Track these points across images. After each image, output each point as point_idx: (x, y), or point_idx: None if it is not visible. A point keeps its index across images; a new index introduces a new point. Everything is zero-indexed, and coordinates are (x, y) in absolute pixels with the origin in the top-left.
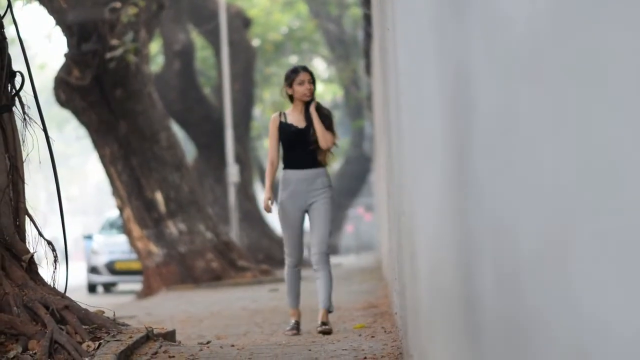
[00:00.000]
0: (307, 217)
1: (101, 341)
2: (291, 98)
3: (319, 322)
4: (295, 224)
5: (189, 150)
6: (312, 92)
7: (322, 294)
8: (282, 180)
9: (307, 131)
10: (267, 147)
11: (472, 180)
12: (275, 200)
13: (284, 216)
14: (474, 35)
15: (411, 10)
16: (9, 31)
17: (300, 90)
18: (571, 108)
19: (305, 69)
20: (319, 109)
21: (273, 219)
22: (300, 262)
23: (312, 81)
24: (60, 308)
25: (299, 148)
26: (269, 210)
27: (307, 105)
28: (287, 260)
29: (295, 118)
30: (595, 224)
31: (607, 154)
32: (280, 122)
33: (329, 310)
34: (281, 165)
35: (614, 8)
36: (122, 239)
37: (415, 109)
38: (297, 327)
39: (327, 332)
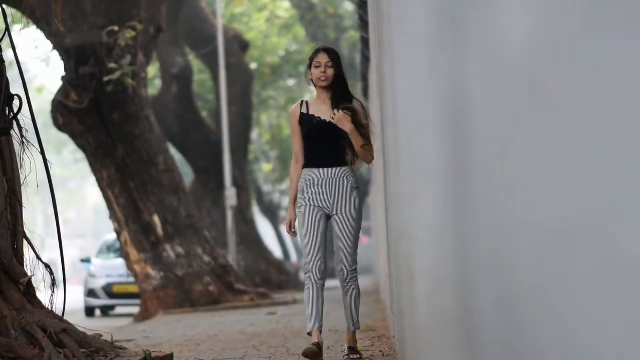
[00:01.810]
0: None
1: None
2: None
3: (346, 348)
4: (317, 230)
5: (186, 173)
6: (331, 78)
7: (350, 314)
8: (302, 180)
9: (333, 125)
10: (266, 170)
11: (471, 203)
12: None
13: (303, 221)
14: (471, 57)
15: (409, 34)
16: (7, 54)
17: (315, 73)
18: (571, 130)
19: (325, 50)
20: (350, 113)
21: (271, 242)
22: (324, 276)
23: (333, 65)
24: (58, 331)
25: (324, 143)
26: (292, 234)
27: (334, 94)
28: (306, 275)
29: (318, 108)
30: (595, 246)
31: (609, 179)
32: (301, 114)
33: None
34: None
35: (614, 26)
36: (119, 262)
37: (413, 131)
38: (318, 348)
39: None
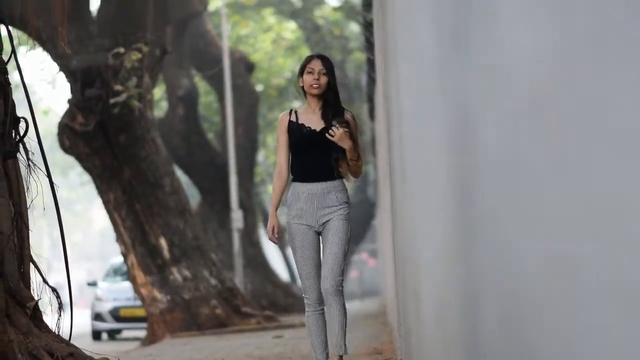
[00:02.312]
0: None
1: None
2: (305, 93)
3: None
4: (308, 250)
5: (192, 195)
6: (324, 86)
7: (335, 335)
8: (289, 195)
9: (322, 134)
10: (271, 193)
11: (477, 224)
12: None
13: (293, 240)
14: (477, 79)
15: (414, 55)
16: (13, 77)
17: (307, 80)
18: (574, 151)
19: (320, 57)
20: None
21: (277, 265)
22: (323, 301)
23: (327, 73)
24: (65, 355)
25: (313, 155)
26: (274, 240)
27: (324, 103)
28: (306, 300)
29: (308, 117)
30: (599, 269)
31: (610, 198)
32: (290, 122)
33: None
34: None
35: (616, 55)
36: (126, 285)
37: (419, 153)
38: None
39: None
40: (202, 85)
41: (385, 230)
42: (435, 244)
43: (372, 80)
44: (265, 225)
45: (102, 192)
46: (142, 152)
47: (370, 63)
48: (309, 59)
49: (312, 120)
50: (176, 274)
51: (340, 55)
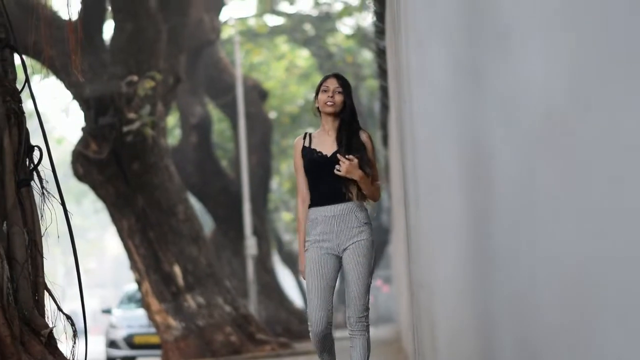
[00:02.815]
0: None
1: None
2: (320, 114)
3: None
4: (323, 275)
5: (206, 222)
6: (339, 105)
7: None
8: (308, 220)
9: (335, 159)
10: (286, 219)
11: (491, 252)
12: None
13: (309, 265)
14: (492, 108)
15: (428, 83)
16: (27, 105)
17: (322, 98)
18: (589, 178)
19: (336, 76)
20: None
21: (291, 292)
22: (329, 328)
23: (343, 92)
24: None
25: (327, 179)
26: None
27: (340, 124)
28: (310, 328)
29: (321, 140)
30: (615, 296)
31: (628, 228)
32: (304, 147)
33: None
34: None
35: (629, 85)
36: (140, 312)
37: (433, 180)
38: None
39: None
40: (215, 112)
41: (400, 257)
42: (450, 271)
43: (385, 108)
44: (279, 252)
45: (115, 219)
46: (155, 179)
47: (384, 90)
48: (324, 78)
49: (325, 143)
50: (190, 301)
51: (353, 82)
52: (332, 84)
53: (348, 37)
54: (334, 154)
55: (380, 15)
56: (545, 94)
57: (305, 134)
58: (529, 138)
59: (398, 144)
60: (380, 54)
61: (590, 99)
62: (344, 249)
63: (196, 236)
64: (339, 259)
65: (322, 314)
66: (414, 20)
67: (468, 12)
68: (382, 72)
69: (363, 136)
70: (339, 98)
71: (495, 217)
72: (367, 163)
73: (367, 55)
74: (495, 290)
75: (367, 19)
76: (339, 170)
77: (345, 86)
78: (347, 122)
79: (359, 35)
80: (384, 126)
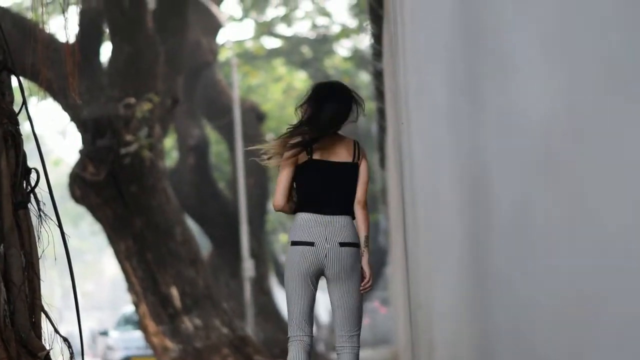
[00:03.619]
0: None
1: None
2: None
3: None
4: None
5: (203, 244)
6: None
7: None
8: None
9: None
10: (283, 241)
11: (490, 273)
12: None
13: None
14: (489, 130)
15: (426, 104)
16: (24, 127)
17: None
18: (587, 202)
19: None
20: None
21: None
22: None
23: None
24: None
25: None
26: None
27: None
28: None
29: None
30: (613, 320)
31: (625, 250)
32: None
33: None
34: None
35: (626, 105)
36: (137, 334)
37: (431, 203)
38: None
39: None
40: (213, 134)
41: (397, 279)
42: (448, 292)
43: (382, 130)
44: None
45: (113, 241)
46: (153, 201)
47: (381, 112)
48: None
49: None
50: (188, 323)
51: None
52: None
53: (345, 59)
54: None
55: (377, 37)
56: (542, 116)
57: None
58: (527, 160)
59: (396, 165)
60: (378, 75)
61: (587, 122)
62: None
63: (194, 258)
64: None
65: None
66: (412, 42)
67: (466, 35)
68: (380, 94)
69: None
70: None
71: (493, 238)
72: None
73: (365, 77)
74: (493, 312)
75: (365, 41)
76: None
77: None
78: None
79: (357, 57)
80: (381, 148)
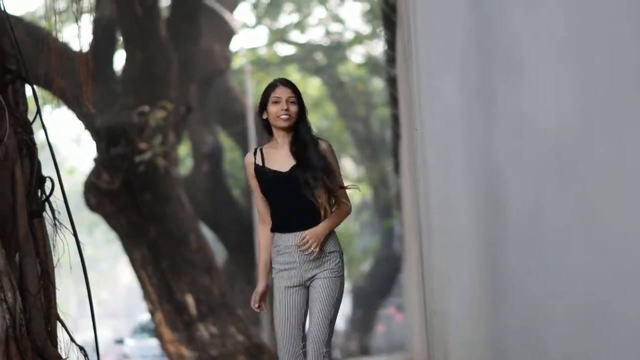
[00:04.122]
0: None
1: None
2: (269, 128)
3: None
4: (289, 308)
5: (218, 251)
6: (295, 116)
7: None
8: (273, 245)
9: (294, 176)
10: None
11: (504, 279)
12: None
13: (278, 299)
14: (503, 135)
15: (440, 110)
16: (38, 136)
17: (273, 111)
18: (599, 205)
19: (285, 83)
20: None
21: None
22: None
23: (297, 101)
24: None
25: (285, 201)
26: (259, 309)
27: (295, 136)
28: None
29: (275, 157)
30: (630, 324)
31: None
32: (256, 166)
33: None
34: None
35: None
36: (153, 342)
37: (445, 209)
38: None
39: None
40: (227, 141)
41: (412, 285)
42: (463, 299)
43: (396, 136)
44: None
45: (128, 249)
46: (167, 209)
47: (395, 118)
48: (272, 87)
49: (279, 159)
50: (203, 331)
51: (364, 111)
52: (284, 93)
53: (359, 65)
54: (292, 169)
55: (391, 43)
56: (556, 121)
57: (256, 149)
58: (540, 164)
59: (410, 171)
60: (392, 82)
61: (600, 126)
62: (310, 279)
63: (208, 265)
64: (307, 288)
65: (294, 348)
66: (425, 48)
67: (478, 41)
68: (394, 100)
69: (322, 145)
70: (293, 109)
71: (507, 243)
72: (331, 174)
73: (378, 83)
74: (508, 317)
75: (378, 48)
76: (306, 249)
77: (297, 93)
78: (303, 132)
79: (370, 63)
80: (395, 154)
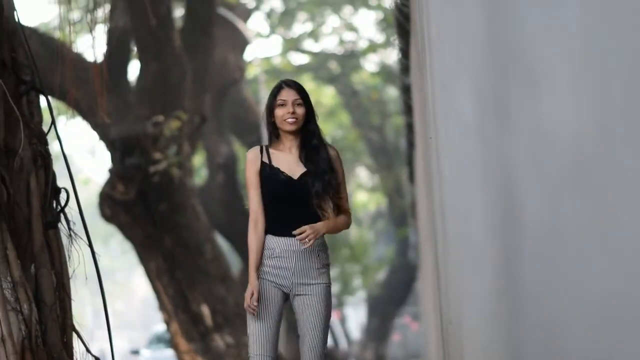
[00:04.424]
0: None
1: None
2: (277, 132)
3: None
4: (271, 312)
5: (233, 261)
6: (302, 119)
7: None
8: (265, 248)
9: (304, 183)
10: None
11: (522, 288)
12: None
13: (259, 297)
14: (519, 146)
15: (455, 119)
16: (53, 147)
17: (279, 114)
18: (617, 217)
19: (291, 84)
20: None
21: None
22: None
23: (304, 103)
24: None
25: (292, 206)
26: (252, 310)
27: (303, 140)
28: None
29: (283, 159)
30: None
31: None
32: (262, 164)
33: None
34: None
35: None
36: (169, 353)
37: (460, 218)
38: None
39: None
40: (241, 151)
41: (428, 294)
42: (479, 308)
43: (411, 144)
44: None
45: (143, 260)
46: (182, 219)
47: (409, 127)
48: (277, 89)
49: (288, 163)
50: (219, 341)
51: (379, 120)
52: (291, 95)
53: (373, 74)
54: (302, 177)
55: (405, 52)
56: (574, 133)
57: (262, 146)
58: (557, 176)
59: (424, 180)
60: (406, 90)
61: (619, 136)
62: (299, 291)
63: (224, 275)
64: (286, 298)
65: (269, 352)
66: (439, 57)
67: (494, 49)
68: (408, 109)
69: (331, 152)
70: (300, 111)
71: (524, 251)
72: (336, 186)
73: (393, 92)
74: (524, 327)
75: (392, 56)
76: (303, 240)
77: (304, 95)
78: (311, 136)
79: (384, 72)
80: (410, 163)
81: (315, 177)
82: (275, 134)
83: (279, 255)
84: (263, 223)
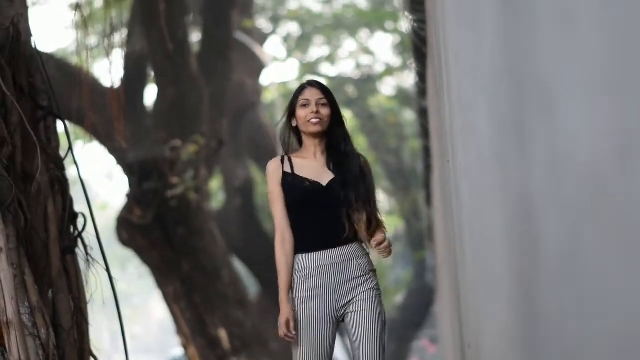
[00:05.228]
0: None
1: None
2: (299, 137)
3: None
4: (319, 340)
5: (251, 285)
6: (327, 120)
7: None
8: (295, 271)
9: (333, 189)
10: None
11: (540, 313)
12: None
13: (301, 332)
14: (537, 168)
15: (472, 142)
16: (70, 172)
17: (302, 115)
18: (637, 241)
19: (314, 84)
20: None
21: (338, 352)
22: None
23: (329, 103)
24: None
25: (318, 216)
26: (289, 338)
27: (329, 144)
28: None
29: (307, 166)
30: None
31: None
32: (285, 174)
33: None
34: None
35: None
36: None
37: (478, 241)
38: None
39: None
40: (258, 175)
41: (446, 316)
42: (498, 333)
43: (428, 167)
44: None
45: (160, 284)
46: (200, 244)
47: (426, 150)
48: (300, 90)
49: (314, 169)
50: None
51: (395, 143)
52: (314, 95)
53: (390, 97)
54: (331, 183)
55: (422, 75)
56: (592, 155)
57: (283, 157)
58: (576, 200)
59: (442, 203)
60: (423, 113)
61: (638, 161)
62: (346, 305)
63: (241, 299)
64: (337, 321)
65: None
66: (456, 81)
67: (511, 72)
68: (425, 132)
69: (361, 160)
70: (325, 111)
71: (542, 276)
72: (370, 195)
73: (409, 115)
74: (543, 352)
75: (409, 80)
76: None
77: (329, 95)
78: (337, 138)
79: (401, 95)
80: (427, 185)
81: (346, 185)
82: (298, 140)
83: (315, 274)
84: (291, 240)
